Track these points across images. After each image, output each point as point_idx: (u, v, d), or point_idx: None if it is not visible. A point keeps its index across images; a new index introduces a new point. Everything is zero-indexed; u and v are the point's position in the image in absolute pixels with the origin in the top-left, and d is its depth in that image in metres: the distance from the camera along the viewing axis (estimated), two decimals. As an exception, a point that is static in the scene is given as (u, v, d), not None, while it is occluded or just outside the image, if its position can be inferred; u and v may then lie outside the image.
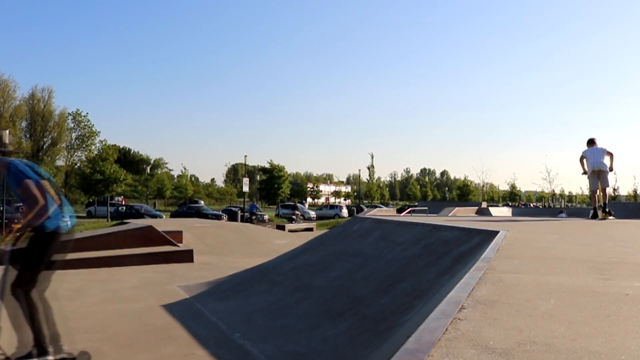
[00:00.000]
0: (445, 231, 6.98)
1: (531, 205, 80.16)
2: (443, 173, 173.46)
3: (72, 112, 61.36)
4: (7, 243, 4.29)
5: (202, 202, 63.33)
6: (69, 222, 4.44)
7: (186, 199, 63.27)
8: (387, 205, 75.15)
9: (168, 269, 11.34)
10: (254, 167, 64.45)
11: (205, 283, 9.21)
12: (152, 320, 6.49)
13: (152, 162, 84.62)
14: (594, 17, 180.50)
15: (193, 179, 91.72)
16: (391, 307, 4.99)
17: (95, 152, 43.53)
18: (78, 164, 58.07)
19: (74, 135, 62.37)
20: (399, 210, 39.46)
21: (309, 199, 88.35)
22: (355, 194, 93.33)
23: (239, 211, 35.49)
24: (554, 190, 55.37)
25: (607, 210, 10.27)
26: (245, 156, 41.78)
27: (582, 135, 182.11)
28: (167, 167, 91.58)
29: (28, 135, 61.20)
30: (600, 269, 3.70)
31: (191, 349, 5.22)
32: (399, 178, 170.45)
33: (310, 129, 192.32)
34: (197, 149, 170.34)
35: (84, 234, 14.46)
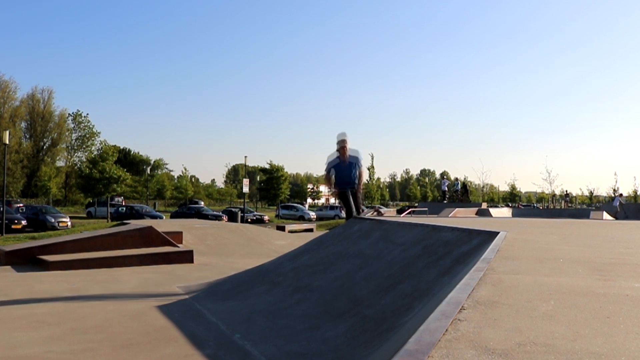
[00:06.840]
0: (446, 232, 6.98)
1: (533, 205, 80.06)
2: (443, 174, 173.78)
3: (72, 112, 61.57)
4: None
5: (202, 202, 63.33)
6: None
7: (186, 200, 63.18)
8: (387, 205, 75.13)
9: (168, 270, 11.34)
10: (254, 167, 64.46)
11: (205, 284, 9.21)
12: (151, 320, 6.49)
13: (152, 162, 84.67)
14: (594, 20, 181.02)
15: (193, 179, 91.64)
16: (391, 308, 4.99)
17: (96, 153, 43.53)
18: (78, 165, 58.10)
19: (74, 135, 62.54)
20: (399, 211, 39.44)
21: (309, 200, 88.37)
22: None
23: (239, 212, 35.51)
24: (554, 191, 55.41)
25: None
26: (246, 157, 41.74)
27: (582, 136, 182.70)
28: (167, 168, 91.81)
29: (28, 136, 61.23)
30: (601, 269, 3.70)
31: (191, 349, 5.22)
32: (398, 179, 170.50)
33: (310, 129, 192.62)
34: (198, 150, 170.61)
35: (84, 234, 14.47)
